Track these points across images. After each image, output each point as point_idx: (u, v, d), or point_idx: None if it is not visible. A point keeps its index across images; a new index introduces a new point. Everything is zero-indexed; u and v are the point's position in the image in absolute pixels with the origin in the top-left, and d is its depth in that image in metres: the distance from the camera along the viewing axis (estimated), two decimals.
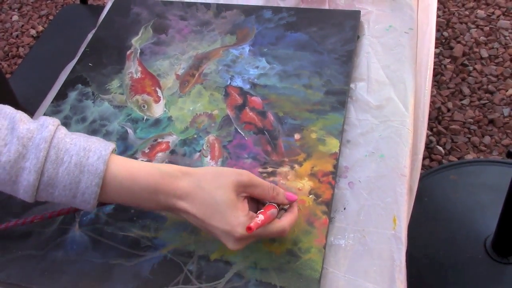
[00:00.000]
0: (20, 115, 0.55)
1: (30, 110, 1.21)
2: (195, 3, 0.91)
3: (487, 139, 1.59)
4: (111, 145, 0.56)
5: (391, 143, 0.69)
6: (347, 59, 0.78)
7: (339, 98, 0.73)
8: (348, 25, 0.82)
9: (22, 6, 2.29)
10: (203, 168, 0.58)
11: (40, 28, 2.17)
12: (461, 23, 1.89)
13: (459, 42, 1.83)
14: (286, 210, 0.59)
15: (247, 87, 0.77)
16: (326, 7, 0.88)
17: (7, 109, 0.55)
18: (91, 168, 0.53)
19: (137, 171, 0.55)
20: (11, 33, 2.17)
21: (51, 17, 2.21)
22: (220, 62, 0.81)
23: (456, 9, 1.94)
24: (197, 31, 0.86)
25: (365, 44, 0.81)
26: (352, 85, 0.76)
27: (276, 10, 0.87)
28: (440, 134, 1.61)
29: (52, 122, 0.55)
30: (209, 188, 0.55)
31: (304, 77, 0.76)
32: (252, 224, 0.52)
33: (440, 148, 1.58)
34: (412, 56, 0.79)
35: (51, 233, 0.65)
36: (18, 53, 2.08)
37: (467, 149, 1.58)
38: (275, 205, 0.57)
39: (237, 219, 0.53)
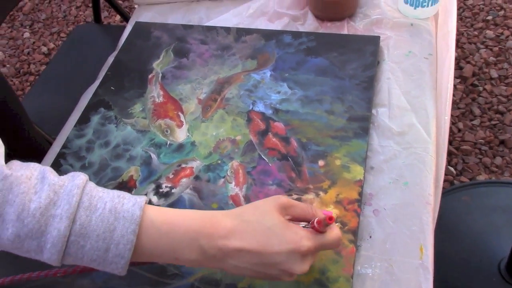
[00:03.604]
0: (50, 168, 0.53)
1: (45, 130, 1.21)
2: (215, 27, 0.92)
3: (498, 160, 1.59)
4: (144, 196, 0.53)
5: (415, 170, 0.69)
6: (368, 85, 0.78)
7: (362, 124, 0.73)
8: (368, 50, 0.83)
9: (33, 23, 2.32)
10: (241, 206, 0.56)
11: (52, 45, 2.19)
12: (470, 43, 1.91)
13: (468, 62, 1.84)
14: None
15: (269, 112, 0.77)
16: (345, 31, 0.89)
17: (36, 164, 0.53)
18: (126, 214, 0.50)
19: (175, 216, 0.52)
20: (22, 50, 2.19)
21: (62, 35, 2.23)
22: (241, 87, 0.81)
23: (465, 29, 1.96)
24: (218, 55, 0.87)
25: (385, 69, 0.82)
26: (373, 111, 0.76)
27: (296, 35, 0.87)
28: (451, 154, 1.61)
29: (82, 174, 0.53)
30: (254, 218, 0.52)
31: (326, 103, 0.77)
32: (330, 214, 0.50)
33: (452, 169, 1.58)
34: (433, 82, 0.79)
35: None
36: (29, 70, 2.09)
37: (478, 169, 1.58)
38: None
39: (297, 234, 0.51)
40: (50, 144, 1.17)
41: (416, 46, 0.84)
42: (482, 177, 1.56)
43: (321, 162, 0.70)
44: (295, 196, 0.67)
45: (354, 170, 0.69)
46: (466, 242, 1.37)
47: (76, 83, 1.32)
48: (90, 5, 2.31)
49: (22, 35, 2.26)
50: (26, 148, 1.06)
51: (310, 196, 0.67)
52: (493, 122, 1.67)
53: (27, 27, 2.30)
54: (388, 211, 0.66)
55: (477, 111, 1.71)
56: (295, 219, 0.54)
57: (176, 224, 0.52)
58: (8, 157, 1.09)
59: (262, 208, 0.53)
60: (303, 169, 0.70)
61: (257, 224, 0.51)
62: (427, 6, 0.84)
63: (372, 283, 0.60)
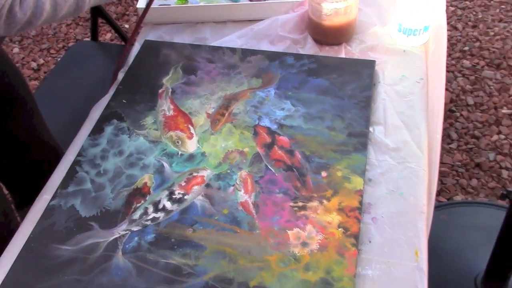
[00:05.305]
0: None
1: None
2: (221, 48, 0.98)
3: (474, 182, 1.68)
4: None
5: (409, 183, 0.76)
6: (365, 104, 0.85)
7: (361, 140, 0.80)
8: (365, 73, 0.90)
9: (23, 39, 2.34)
10: None
11: (41, 61, 2.22)
12: (448, 71, 2.01)
13: (447, 89, 1.94)
14: None
15: (274, 127, 0.83)
16: (343, 55, 0.96)
17: None
18: None
19: None
20: None
21: (52, 51, 2.26)
22: (248, 103, 0.87)
23: None
24: (225, 74, 0.93)
25: (381, 91, 0.89)
26: (370, 128, 0.83)
27: (298, 57, 0.94)
28: None
29: None
30: None
31: (327, 120, 0.83)
32: None
33: None
34: (424, 104, 0.86)
35: (95, 260, 0.69)
36: None
37: (455, 190, 1.66)
38: None
39: None
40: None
41: (408, 70, 0.91)
42: (459, 198, 1.64)
43: (324, 173, 0.76)
44: (300, 204, 0.73)
45: (355, 181, 0.75)
46: (444, 258, 1.44)
47: (75, 98, 1.37)
48: (81, 23, 2.36)
49: (12, 50, 2.28)
50: (41, 144, 1.10)
51: (314, 203, 0.73)
52: (469, 146, 1.76)
53: (17, 42, 2.33)
54: (385, 219, 0.72)
55: (454, 135, 1.80)
56: None
57: None
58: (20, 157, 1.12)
59: None
60: (307, 179, 0.76)
61: None
62: (418, 34, 0.92)
63: (372, 283, 0.66)
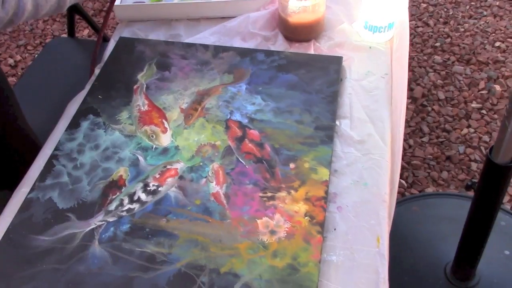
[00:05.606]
0: None
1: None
2: (194, 44, 1.01)
3: (445, 174, 1.73)
4: None
5: (373, 173, 0.80)
6: (332, 99, 0.89)
7: (327, 133, 0.84)
8: (332, 69, 0.94)
9: None
10: None
11: (18, 57, 2.22)
12: (420, 67, 2.07)
13: (418, 84, 2.00)
14: None
15: (245, 121, 0.86)
16: (312, 52, 0.99)
17: None
18: None
19: None
20: None
21: (29, 47, 2.26)
22: (220, 98, 0.90)
23: (415, 54, 2.12)
24: (198, 70, 0.96)
25: (347, 86, 0.93)
26: (337, 122, 0.87)
27: (268, 53, 0.98)
28: (402, 168, 1.74)
29: None
30: None
31: (295, 114, 0.87)
32: None
33: (403, 182, 1.71)
34: (388, 98, 0.90)
35: (72, 249, 0.72)
36: None
37: (427, 183, 1.72)
38: None
39: None
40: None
41: (374, 66, 0.95)
42: (430, 190, 1.69)
43: (292, 165, 0.80)
44: (269, 194, 0.76)
45: (321, 172, 0.78)
46: (416, 248, 1.49)
47: (52, 94, 1.38)
48: (58, 19, 2.36)
49: None
50: (20, 137, 1.12)
51: (282, 194, 0.76)
52: (440, 140, 1.82)
53: None
54: (350, 208, 0.76)
55: (426, 129, 1.86)
56: None
57: None
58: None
59: None
60: (276, 170, 0.79)
61: None
62: (384, 31, 0.96)
63: (336, 268, 0.70)
